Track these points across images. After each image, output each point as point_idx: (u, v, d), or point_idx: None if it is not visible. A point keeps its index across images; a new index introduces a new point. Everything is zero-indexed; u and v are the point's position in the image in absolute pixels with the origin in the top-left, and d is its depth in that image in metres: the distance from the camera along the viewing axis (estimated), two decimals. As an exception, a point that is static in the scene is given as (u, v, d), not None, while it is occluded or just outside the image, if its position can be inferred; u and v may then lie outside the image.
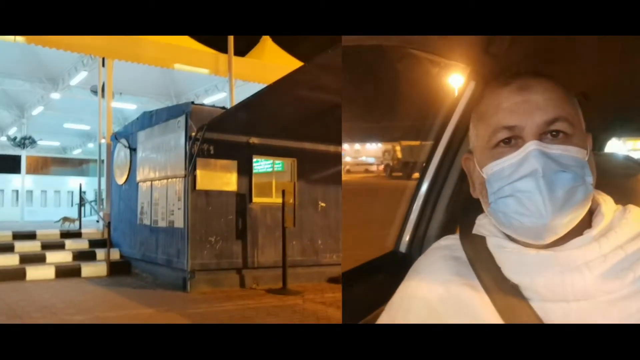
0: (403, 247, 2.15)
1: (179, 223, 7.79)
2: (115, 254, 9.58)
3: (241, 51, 12.32)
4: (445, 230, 2.01)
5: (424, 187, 2.19)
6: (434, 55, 1.88)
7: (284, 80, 5.39)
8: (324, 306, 6.76)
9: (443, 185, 2.15)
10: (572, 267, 1.06)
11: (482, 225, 1.20)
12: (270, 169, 8.57)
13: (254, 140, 8.09)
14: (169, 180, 8.15)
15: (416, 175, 2.30)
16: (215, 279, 7.71)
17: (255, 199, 8.12)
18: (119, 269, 9.20)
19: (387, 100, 2.46)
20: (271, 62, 12.48)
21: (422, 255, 1.28)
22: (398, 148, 2.80)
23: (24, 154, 22.07)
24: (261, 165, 8.50)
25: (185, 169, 7.61)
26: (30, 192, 24.95)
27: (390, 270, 1.83)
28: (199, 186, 7.63)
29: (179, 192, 7.86)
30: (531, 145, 1.06)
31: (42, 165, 28.43)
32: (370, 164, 2.91)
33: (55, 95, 16.75)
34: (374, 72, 2.19)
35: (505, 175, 1.08)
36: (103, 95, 11.56)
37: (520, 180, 1.06)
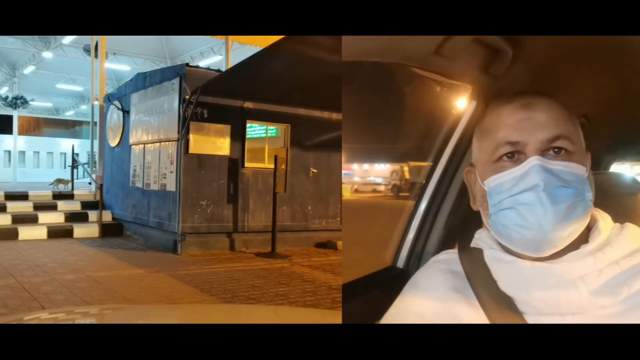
0: (401, 263, 2.17)
1: (171, 186, 7.81)
2: (107, 216, 9.62)
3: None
4: (444, 246, 2.02)
5: (423, 204, 2.21)
6: (434, 73, 1.88)
7: (281, 43, 5.31)
8: (310, 269, 6.88)
9: (442, 202, 2.18)
10: (567, 280, 1.07)
11: (481, 239, 1.22)
12: (263, 135, 8.55)
13: (248, 104, 8.04)
14: (162, 143, 8.12)
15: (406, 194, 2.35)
16: (205, 242, 7.77)
17: (247, 164, 8.12)
18: (110, 231, 9.25)
19: (391, 121, 2.47)
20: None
21: (420, 269, 1.29)
22: (406, 169, 2.83)
23: (16, 114, 21.85)
24: (255, 130, 8.47)
25: (179, 132, 7.58)
26: (22, 153, 24.83)
27: (387, 285, 1.85)
28: (191, 150, 7.61)
29: (171, 156, 7.85)
30: (533, 160, 1.08)
31: (34, 126, 28.21)
32: (378, 184, 2.94)
33: (47, 54, 16.51)
34: (375, 90, 2.18)
35: (506, 188, 1.11)
36: (96, 55, 11.39)
37: (521, 194, 1.08)
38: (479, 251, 1.19)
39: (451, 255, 1.26)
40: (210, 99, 7.56)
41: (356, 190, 2.85)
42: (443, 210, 2.17)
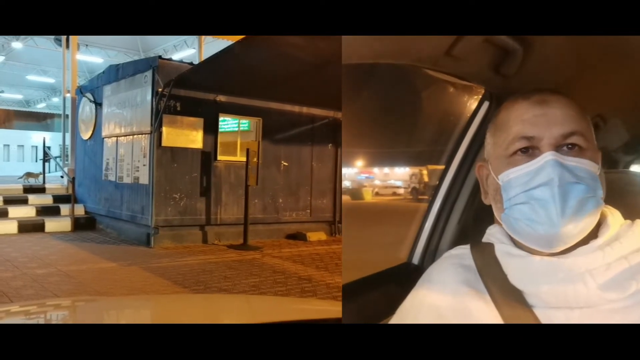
0: (416, 259, 2.23)
1: (144, 179, 7.80)
2: (79, 210, 9.53)
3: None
4: (457, 242, 2.10)
5: (438, 203, 2.28)
6: (445, 75, 1.89)
7: (253, 38, 5.36)
8: (280, 260, 6.98)
9: (455, 201, 2.23)
10: (575, 274, 1.10)
11: (492, 234, 1.24)
12: (236, 128, 8.58)
13: (221, 98, 8.05)
14: (135, 136, 8.09)
15: (425, 197, 2.40)
16: (178, 235, 7.80)
17: (220, 157, 8.15)
18: (83, 225, 9.19)
19: (404, 124, 2.53)
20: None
21: (433, 264, 1.33)
22: (425, 172, 2.89)
23: (-15, 106, 21.35)
24: (227, 123, 8.50)
25: (151, 125, 7.56)
26: (-8, 146, 24.27)
27: (403, 280, 1.90)
28: (164, 143, 7.61)
29: (144, 149, 7.83)
30: (549, 155, 1.11)
31: (4, 119, 27.57)
32: (398, 187, 3.03)
33: (17, 45, 16.16)
34: (387, 92, 2.23)
35: (522, 182, 1.13)
36: (68, 47, 11.21)
37: (536, 189, 1.11)
38: (490, 246, 1.22)
39: (463, 251, 1.29)
40: (183, 92, 7.56)
41: (377, 194, 2.95)
42: (456, 208, 2.22)
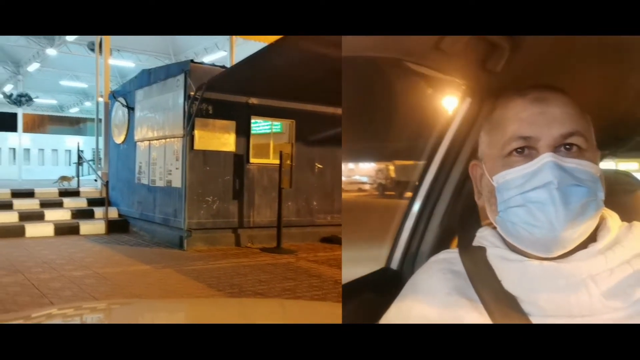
0: (395, 264, 2.11)
1: (177, 183, 7.83)
2: (113, 213, 9.65)
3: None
4: (439, 246, 2.00)
5: (417, 205, 2.17)
6: (430, 69, 1.83)
7: (285, 39, 5.31)
8: (316, 264, 6.92)
9: (437, 202, 2.13)
10: (577, 280, 1.04)
11: (484, 237, 1.18)
12: (268, 130, 8.55)
13: (253, 100, 8.04)
14: (167, 139, 8.14)
15: (409, 194, 2.28)
16: (211, 238, 7.81)
17: (252, 160, 8.13)
18: (117, 228, 9.29)
19: (384, 118, 2.43)
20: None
21: (419, 269, 1.26)
22: (392, 167, 2.80)
23: (21, 111, 21.88)
24: (260, 126, 8.48)
25: (184, 128, 7.59)
26: (27, 151, 24.89)
27: (381, 287, 1.82)
28: (196, 146, 7.63)
29: (177, 152, 7.86)
30: (547, 157, 1.05)
31: (39, 124, 28.29)
32: (364, 183, 2.92)
33: (51, 51, 16.53)
34: (370, 86, 2.14)
35: (517, 184, 1.07)
36: (100, 52, 11.39)
37: (533, 191, 1.05)
38: (482, 250, 1.16)
39: (451, 255, 1.23)
40: (215, 95, 7.57)
41: (343, 190, 2.87)
42: (438, 209, 2.12)
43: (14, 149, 24.06)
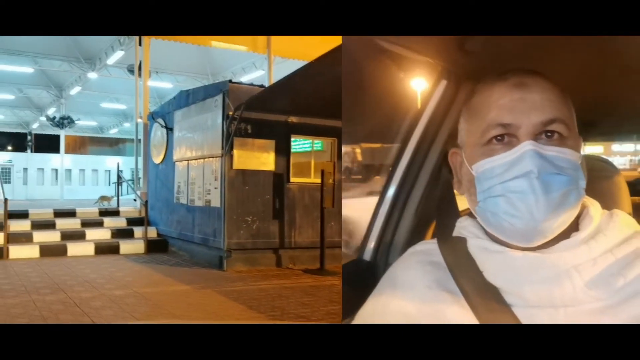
0: (367, 255, 2.04)
1: (216, 202, 7.79)
2: (152, 232, 9.71)
3: (280, 28, 12.09)
4: (415, 235, 1.94)
5: (391, 191, 2.08)
6: (404, 49, 1.75)
7: (325, 57, 5.24)
8: (362, 288, 6.69)
9: (412, 189, 2.05)
10: (561, 271, 1.02)
11: (464, 227, 1.15)
12: (309, 149, 8.46)
13: (293, 119, 7.98)
14: (206, 159, 8.14)
15: (377, 178, 2.21)
16: (251, 258, 7.71)
17: (293, 179, 8.04)
18: (156, 247, 9.32)
19: (356, 101, 2.32)
20: (312, 38, 12.23)
21: (397, 261, 1.23)
22: (358, 150, 2.68)
23: (63, 133, 22.60)
24: (300, 144, 8.40)
25: (222, 148, 7.57)
26: (69, 171, 25.60)
27: (354, 280, 1.76)
28: (235, 166, 7.59)
29: (215, 172, 7.85)
30: (527, 145, 1.02)
31: (80, 145, 29.13)
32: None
33: (92, 75, 17.01)
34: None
35: (497, 174, 1.04)
36: (139, 75, 11.61)
37: (513, 180, 1.02)
38: (462, 240, 1.12)
39: (430, 246, 1.19)
40: (253, 115, 7.55)
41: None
42: (413, 197, 2.03)
43: (56, 170, 24.77)
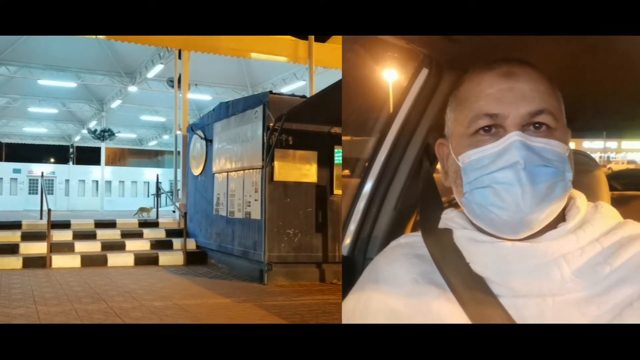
0: (345, 250, 1.97)
1: (256, 214, 7.68)
2: (191, 244, 9.68)
3: (322, 37, 11.99)
4: (395, 229, 1.88)
5: (369, 185, 2.02)
6: (384, 34, 1.68)
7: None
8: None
9: (391, 182, 1.99)
10: (549, 260, 1.05)
11: (450, 219, 1.12)
12: (353, 160, 8.30)
13: (336, 130, 7.80)
14: (246, 171, 8.06)
15: (345, 172, 2.13)
16: (293, 272, 7.53)
17: (336, 191, 7.83)
18: (195, 259, 9.29)
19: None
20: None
21: (380, 254, 1.21)
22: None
23: (104, 146, 23.12)
24: (343, 156, 8.25)
25: (263, 159, 7.48)
26: (109, 183, 26.14)
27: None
28: (276, 177, 7.48)
29: (256, 183, 7.75)
30: (514, 136, 1.00)
31: (119, 157, 29.78)
32: None
33: (132, 89, 17.35)
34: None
35: (483, 165, 1.01)
36: (179, 87, 11.72)
37: (499, 172, 0.99)
38: (448, 232, 1.10)
39: (415, 239, 1.17)
40: (295, 126, 7.44)
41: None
42: (393, 190, 1.96)
43: (96, 181, 25.34)
